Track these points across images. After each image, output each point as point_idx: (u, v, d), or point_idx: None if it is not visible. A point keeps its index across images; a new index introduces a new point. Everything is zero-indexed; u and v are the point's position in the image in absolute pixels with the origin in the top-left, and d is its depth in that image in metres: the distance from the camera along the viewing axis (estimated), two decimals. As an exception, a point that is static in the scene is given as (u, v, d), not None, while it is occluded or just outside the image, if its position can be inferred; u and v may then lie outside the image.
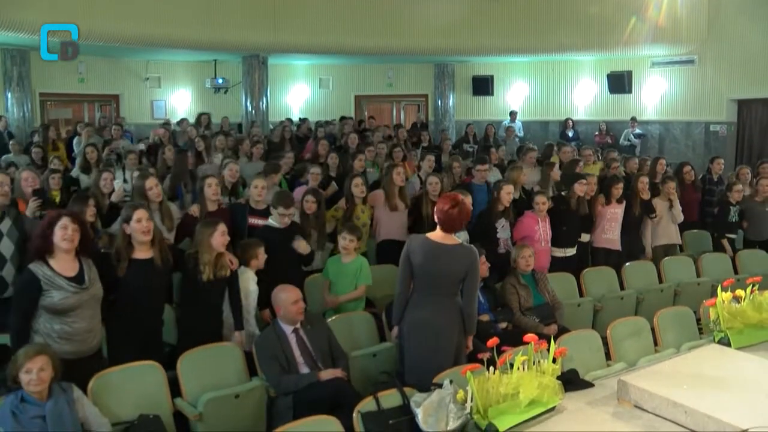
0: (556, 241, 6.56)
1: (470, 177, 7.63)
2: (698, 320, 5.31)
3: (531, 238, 6.29)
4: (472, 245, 4.38)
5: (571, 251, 6.73)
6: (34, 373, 3.40)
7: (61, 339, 3.82)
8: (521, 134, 15.20)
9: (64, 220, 3.87)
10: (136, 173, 6.53)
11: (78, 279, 3.88)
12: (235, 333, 4.70)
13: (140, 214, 4.27)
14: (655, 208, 7.29)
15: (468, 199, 5.87)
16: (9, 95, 13.27)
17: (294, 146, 10.83)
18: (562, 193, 6.92)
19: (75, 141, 10.94)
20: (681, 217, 7.47)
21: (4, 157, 9.82)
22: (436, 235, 4.20)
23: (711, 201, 8.42)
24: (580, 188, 6.67)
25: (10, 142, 10.79)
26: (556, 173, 7.57)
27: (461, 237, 5.55)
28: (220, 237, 4.59)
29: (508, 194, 6.34)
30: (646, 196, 7.23)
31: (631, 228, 7.20)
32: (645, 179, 7.30)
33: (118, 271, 4.20)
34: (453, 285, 4.17)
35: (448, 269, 4.12)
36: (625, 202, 7.09)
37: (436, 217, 4.23)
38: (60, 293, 3.79)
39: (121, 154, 9.27)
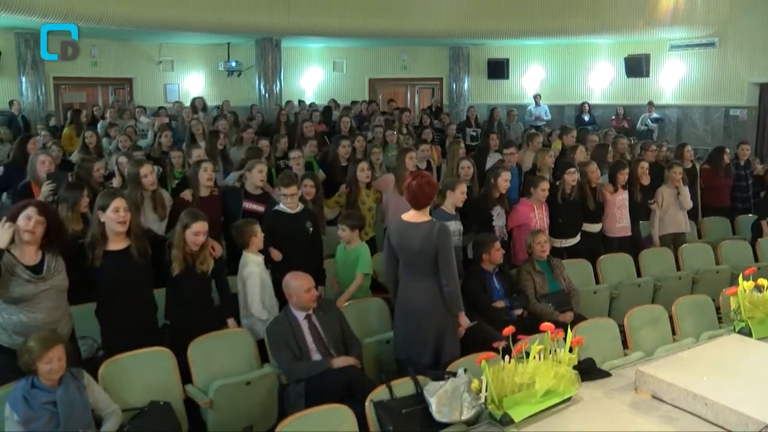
0: (553, 232, 6.33)
1: (501, 161, 7.54)
2: (717, 309, 5.22)
3: (527, 226, 6.09)
4: (440, 222, 4.29)
5: (569, 242, 6.51)
6: (55, 362, 3.38)
7: (16, 333, 3.65)
8: (548, 117, 15.02)
9: (29, 210, 3.68)
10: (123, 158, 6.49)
11: (36, 269, 3.71)
12: (228, 320, 4.56)
13: (118, 203, 4.04)
14: (657, 195, 7.07)
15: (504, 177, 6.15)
16: (23, 79, 13.27)
17: (289, 130, 10.64)
18: (557, 183, 6.66)
19: (99, 125, 10.89)
20: (689, 204, 7.24)
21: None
22: (408, 214, 4.26)
23: (740, 186, 8.36)
24: (570, 178, 6.46)
25: (38, 126, 10.78)
26: (549, 159, 7.29)
27: (454, 226, 5.47)
28: (192, 236, 4.35)
29: (505, 181, 6.21)
30: (645, 181, 7.00)
31: (633, 215, 6.96)
32: (645, 164, 7.07)
33: (94, 261, 4.00)
34: (428, 263, 4.16)
35: (419, 247, 4.14)
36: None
37: (404, 195, 4.31)
38: (16, 281, 3.63)
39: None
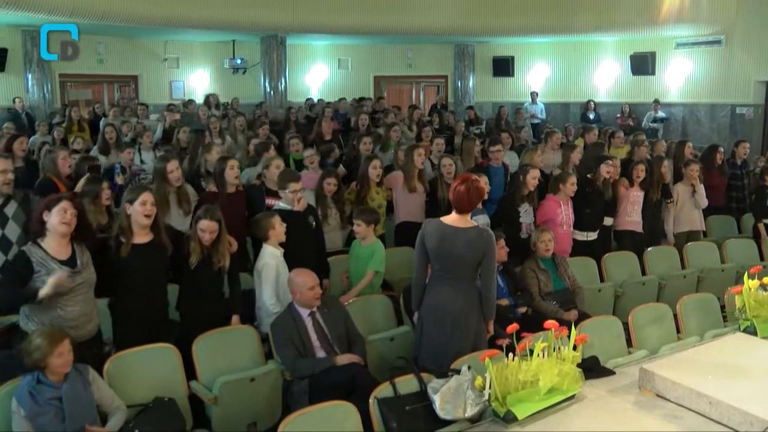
0: (578, 225, 6.43)
1: (487, 159, 7.54)
2: (722, 308, 5.20)
3: (553, 221, 6.15)
4: (487, 228, 4.29)
5: (592, 235, 6.59)
6: (66, 355, 3.40)
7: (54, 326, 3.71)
8: (543, 116, 15.03)
9: (64, 204, 3.78)
10: (148, 154, 6.50)
11: (70, 263, 3.81)
12: (233, 317, 4.55)
13: (146, 197, 4.16)
14: (672, 193, 7.12)
15: (483, 180, 5.86)
16: (29, 76, 13.33)
17: (299, 128, 10.71)
18: (588, 176, 6.76)
19: (102, 122, 10.90)
20: (705, 203, 7.29)
21: (32, 138, 9.76)
22: (451, 218, 4.13)
23: (735, 185, 8.24)
24: (605, 169, 6.55)
25: (37, 123, 10.81)
26: (576, 156, 7.40)
27: (481, 221, 5.48)
28: (199, 231, 4.41)
29: (534, 179, 6.23)
30: (667, 180, 7.05)
31: (651, 212, 7.01)
32: (666, 163, 7.12)
33: (121, 251, 4.10)
34: (470, 269, 4.08)
35: (463, 253, 4.03)
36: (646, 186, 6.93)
37: (450, 198, 4.17)
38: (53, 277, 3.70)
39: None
